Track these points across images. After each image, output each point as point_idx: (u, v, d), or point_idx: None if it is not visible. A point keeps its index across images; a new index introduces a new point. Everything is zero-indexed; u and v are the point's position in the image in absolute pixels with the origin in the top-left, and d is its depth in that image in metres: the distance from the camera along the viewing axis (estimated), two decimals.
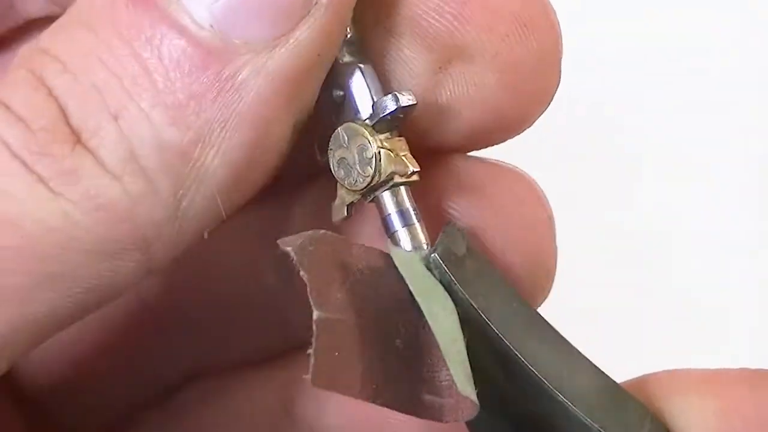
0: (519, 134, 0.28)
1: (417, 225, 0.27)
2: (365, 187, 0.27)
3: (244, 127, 0.25)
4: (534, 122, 0.28)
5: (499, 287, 0.28)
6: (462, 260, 0.27)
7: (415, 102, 0.27)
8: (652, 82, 0.54)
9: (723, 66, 0.55)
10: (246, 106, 0.25)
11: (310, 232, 0.27)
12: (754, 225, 0.54)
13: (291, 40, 0.25)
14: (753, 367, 0.28)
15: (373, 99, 0.27)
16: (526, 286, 0.29)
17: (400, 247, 0.27)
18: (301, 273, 0.25)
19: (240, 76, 0.25)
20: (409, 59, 0.27)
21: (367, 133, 0.27)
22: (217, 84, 0.25)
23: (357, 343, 0.25)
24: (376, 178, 0.27)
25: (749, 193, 0.54)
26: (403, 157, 0.27)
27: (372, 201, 0.28)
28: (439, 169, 0.29)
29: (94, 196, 0.25)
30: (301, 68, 0.26)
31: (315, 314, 0.24)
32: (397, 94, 0.27)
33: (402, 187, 0.27)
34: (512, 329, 0.27)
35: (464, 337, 0.27)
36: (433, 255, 0.27)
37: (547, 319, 0.28)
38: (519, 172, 0.29)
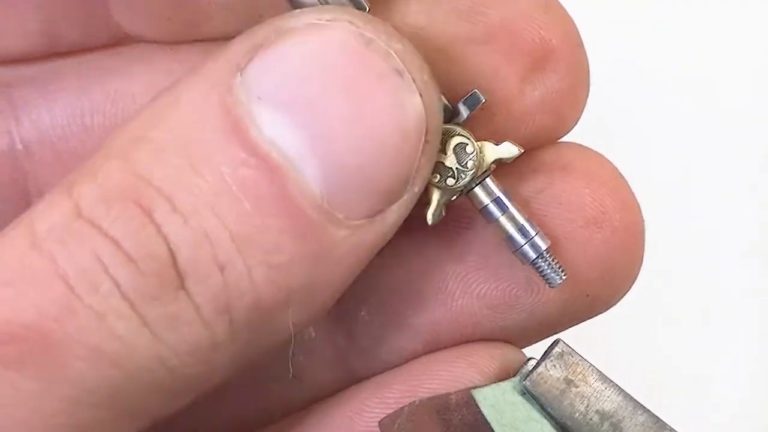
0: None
1: (512, 209, 0.30)
2: (467, 182, 0.29)
3: (326, 293, 0.27)
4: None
5: (601, 400, 0.30)
6: (559, 380, 0.30)
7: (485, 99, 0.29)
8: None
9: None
10: (335, 275, 0.27)
11: (406, 407, 0.30)
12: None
13: (384, 218, 0.27)
14: None
15: (449, 103, 0.29)
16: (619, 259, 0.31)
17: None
18: None
19: (338, 249, 0.26)
20: (496, 67, 0.30)
21: (464, 132, 0.29)
22: (316, 253, 0.26)
23: None
24: (479, 171, 0.29)
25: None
26: (507, 142, 0.29)
27: (465, 195, 0.29)
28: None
29: (188, 342, 0.25)
30: (386, 239, 0.27)
31: None
32: (477, 93, 0.29)
33: (488, 178, 0.30)
34: None
35: None
36: (524, 383, 0.30)
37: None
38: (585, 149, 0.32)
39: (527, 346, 0.32)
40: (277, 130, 0.25)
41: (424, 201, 0.29)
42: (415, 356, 0.32)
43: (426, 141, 0.27)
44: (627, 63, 0.54)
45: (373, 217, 0.26)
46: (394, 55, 0.26)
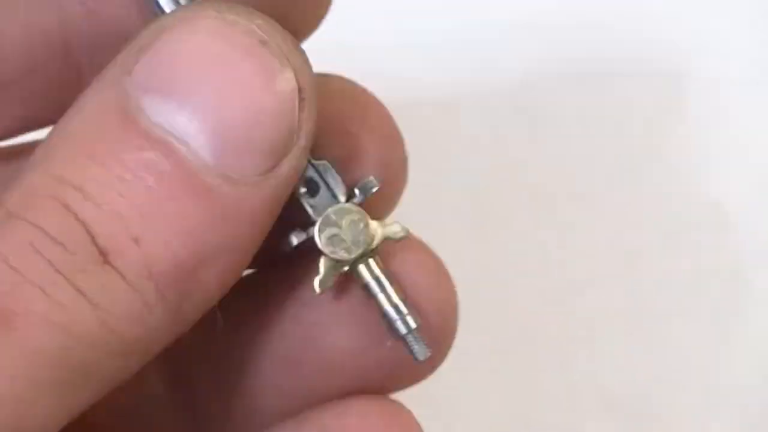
0: None
1: (390, 289, 0.33)
2: (357, 257, 0.33)
3: (240, 251, 0.30)
4: None
5: None
6: None
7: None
8: None
9: None
10: (245, 230, 0.30)
11: None
12: None
13: (278, 171, 0.30)
14: None
15: (346, 187, 0.33)
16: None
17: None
18: None
19: (240, 206, 0.30)
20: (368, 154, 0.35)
21: (360, 210, 0.33)
22: (220, 213, 0.29)
23: None
24: (369, 247, 0.33)
25: None
26: (396, 223, 0.34)
27: (351, 271, 0.33)
28: None
29: (122, 306, 0.28)
30: (283, 198, 0.31)
31: None
32: (372, 178, 0.33)
33: (374, 258, 0.33)
34: None
35: None
36: None
37: None
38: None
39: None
40: (163, 116, 0.29)
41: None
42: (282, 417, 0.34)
43: (302, 98, 0.30)
44: None
45: (268, 172, 0.30)
46: (257, 29, 0.30)
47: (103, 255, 0.28)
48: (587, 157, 0.40)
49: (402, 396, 0.38)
